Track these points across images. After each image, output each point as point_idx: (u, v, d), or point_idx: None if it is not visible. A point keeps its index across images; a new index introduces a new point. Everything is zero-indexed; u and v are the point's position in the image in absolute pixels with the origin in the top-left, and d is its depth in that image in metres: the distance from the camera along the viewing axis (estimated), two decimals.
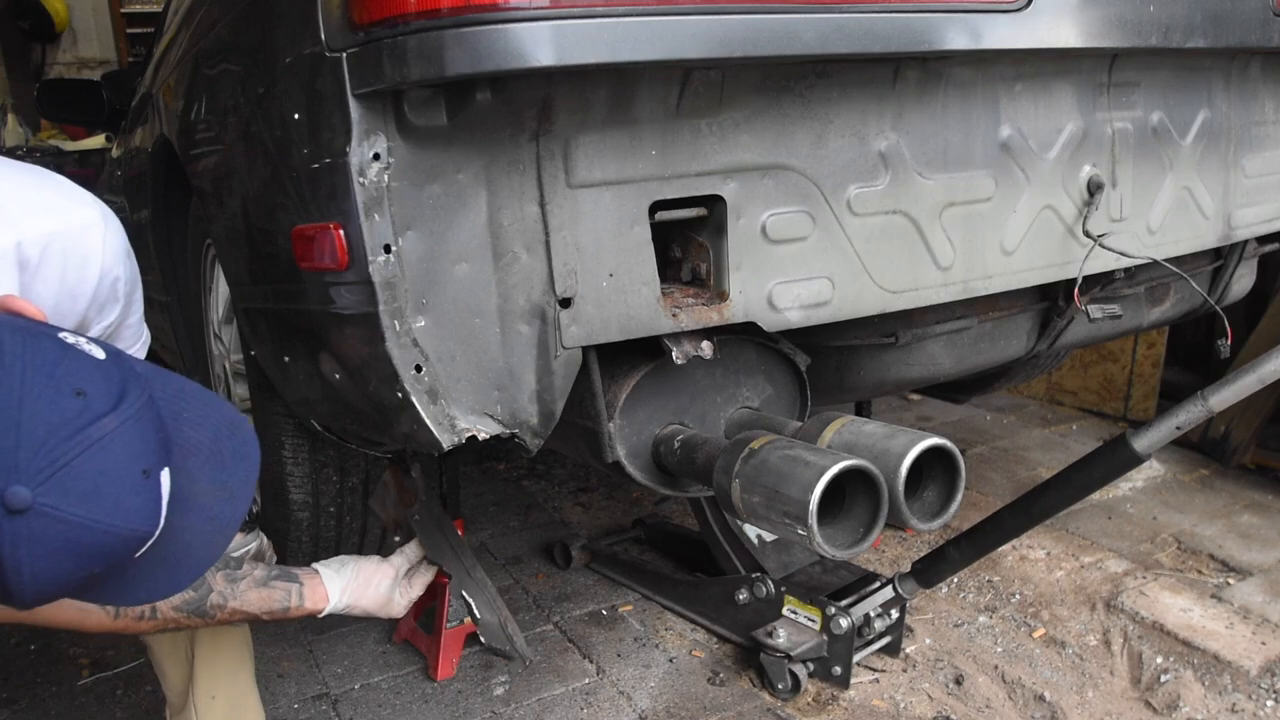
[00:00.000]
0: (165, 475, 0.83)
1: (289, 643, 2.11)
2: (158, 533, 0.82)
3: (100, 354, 0.83)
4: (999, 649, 2.01)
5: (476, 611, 1.70)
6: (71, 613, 1.22)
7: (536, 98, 1.12)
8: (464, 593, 1.71)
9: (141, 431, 0.80)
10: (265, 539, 1.60)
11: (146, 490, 0.80)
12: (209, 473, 0.89)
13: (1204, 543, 2.43)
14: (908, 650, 1.99)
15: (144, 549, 0.82)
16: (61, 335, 0.83)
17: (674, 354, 1.27)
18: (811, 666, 1.86)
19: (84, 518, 0.76)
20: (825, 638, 1.83)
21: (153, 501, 0.81)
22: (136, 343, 1.33)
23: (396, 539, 1.78)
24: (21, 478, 0.73)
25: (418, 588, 1.63)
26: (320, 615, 1.46)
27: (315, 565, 1.52)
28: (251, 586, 1.37)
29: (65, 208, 1.08)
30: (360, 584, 1.51)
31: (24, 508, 0.73)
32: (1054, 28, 1.37)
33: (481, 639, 1.73)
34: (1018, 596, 2.20)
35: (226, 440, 0.92)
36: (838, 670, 1.85)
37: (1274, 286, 2.88)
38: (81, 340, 0.84)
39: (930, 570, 1.84)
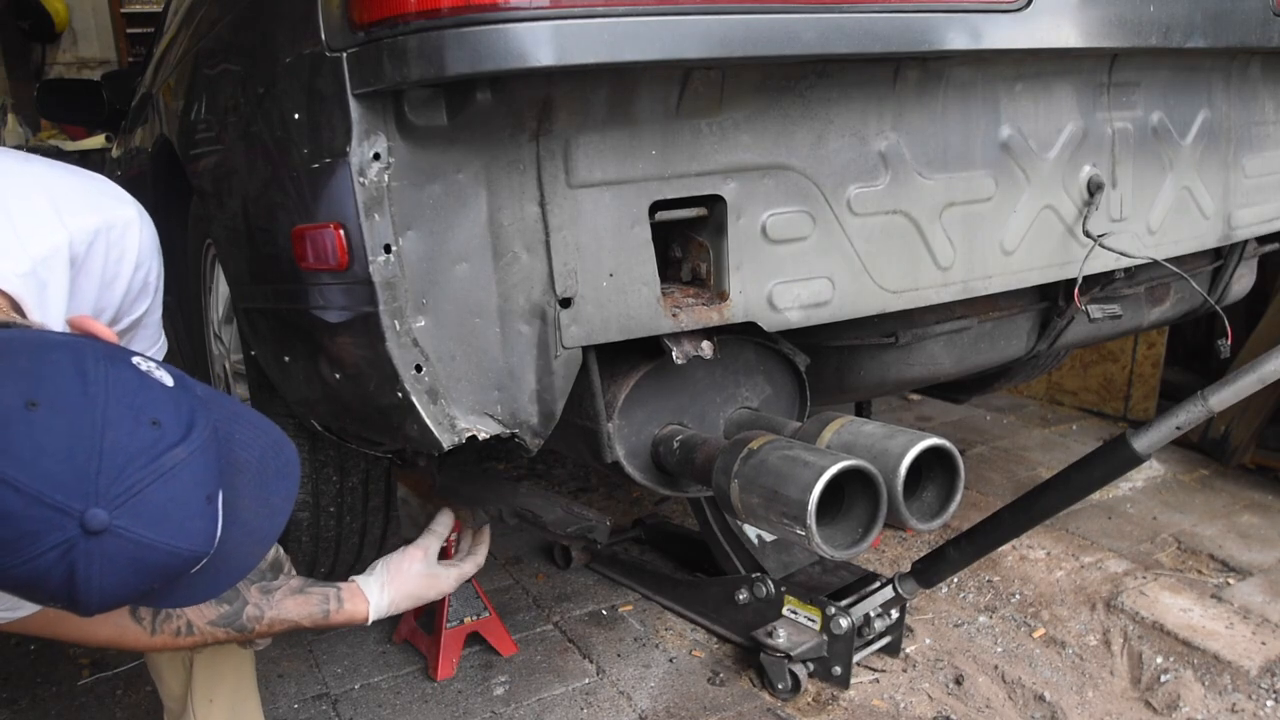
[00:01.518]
0: (220, 498, 0.88)
1: (289, 643, 2.11)
2: (213, 551, 0.87)
3: (169, 381, 0.88)
4: (999, 649, 2.01)
5: (541, 514, 1.68)
6: (110, 630, 1.24)
7: (536, 98, 1.12)
8: (520, 506, 1.68)
9: (206, 461, 0.86)
10: (281, 549, 1.59)
11: (208, 515, 0.86)
12: (253, 490, 0.94)
13: (1204, 543, 2.43)
14: (908, 650, 1.99)
15: (198, 567, 0.88)
16: (135, 361, 0.88)
17: (674, 354, 1.27)
18: (811, 666, 1.86)
19: (153, 540, 0.81)
20: (825, 638, 1.83)
21: (212, 524, 0.86)
22: (155, 344, 1.34)
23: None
24: (101, 502, 0.78)
25: (470, 565, 1.59)
26: (368, 620, 1.43)
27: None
28: (287, 595, 1.36)
29: (107, 206, 1.14)
30: (395, 575, 1.48)
31: (101, 529, 0.78)
32: (1054, 28, 1.37)
33: (558, 540, 1.69)
34: (1018, 596, 2.20)
35: (272, 460, 0.97)
36: (838, 670, 1.85)
37: (1274, 286, 2.88)
38: (152, 367, 0.89)
39: (930, 570, 1.84)
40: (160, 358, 1.35)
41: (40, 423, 0.78)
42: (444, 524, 1.62)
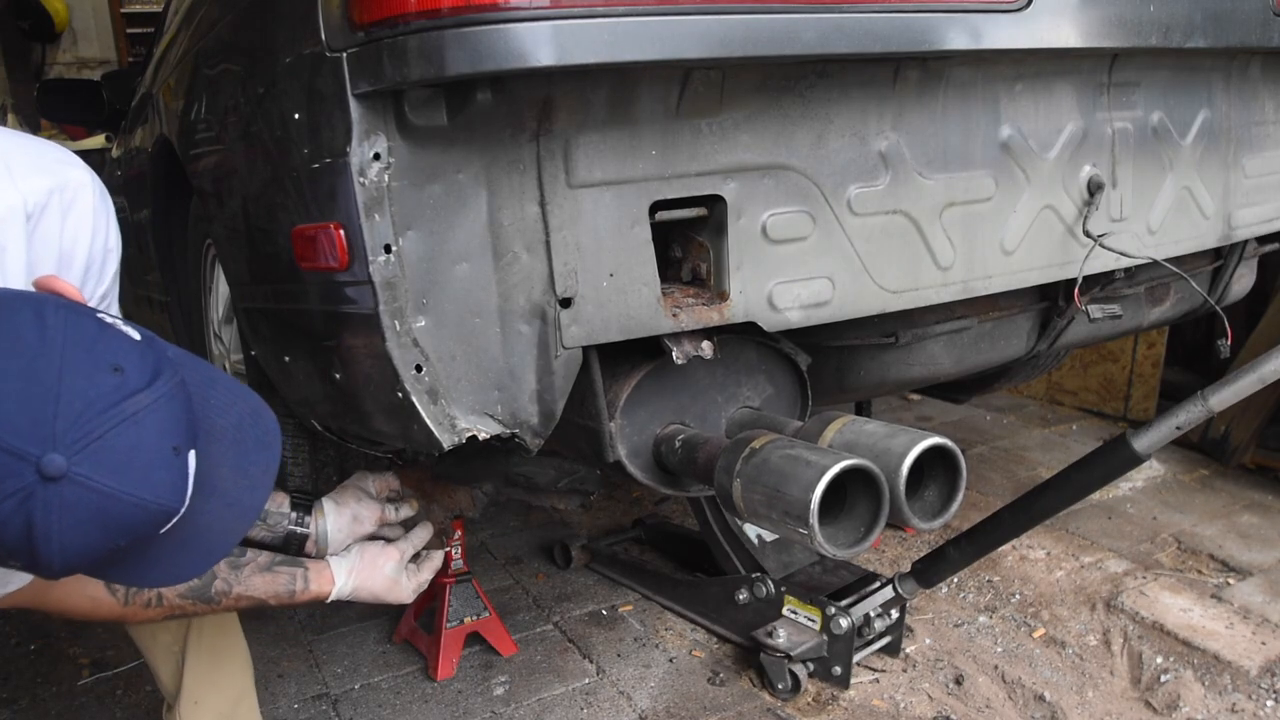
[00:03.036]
0: (192, 456, 0.85)
1: (289, 643, 2.11)
2: (182, 510, 0.85)
3: (136, 335, 0.86)
4: (999, 649, 2.01)
5: (535, 477, 1.69)
6: (84, 602, 1.23)
7: (537, 98, 1.12)
8: (510, 474, 1.69)
9: (173, 410, 0.83)
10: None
11: (175, 467, 0.83)
12: (231, 459, 0.91)
13: (1204, 543, 2.43)
14: (908, 650, 1.99)
15: (168, 526, 0.85)
16: (99, 315, 0.86)
17: (674, 354, 1.27)
18: (811, 666, 1.86)
19: (115, 488, 0.78)
20: (825, 638, 1.83)
21: (180, 478, 0.83)
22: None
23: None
24: (58, 446, 0.76)
25: (426, 573, 1.60)
26: (328, 600, 1.44)
27: None
28: (255, 572, 1.36)
29: (58, 169, 1.10)
30: (365, 566, 1.48)
31: (59, 475, 0.76)
32: (1054, 28, 1.37)
33: (552, 503, 1.71)
34: (1018, 596, 2.20)
35: (250, 428, 0.94)
36: (838, 670, 1.85)
37: (1274, 286, 2.88)
38: (119, 321, 0.87)
39: (930, 570, 1.84)
40: None
41: None
42: (421, 536, 1.61)
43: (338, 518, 1.51)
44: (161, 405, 0.82)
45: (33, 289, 0.95)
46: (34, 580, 1.14)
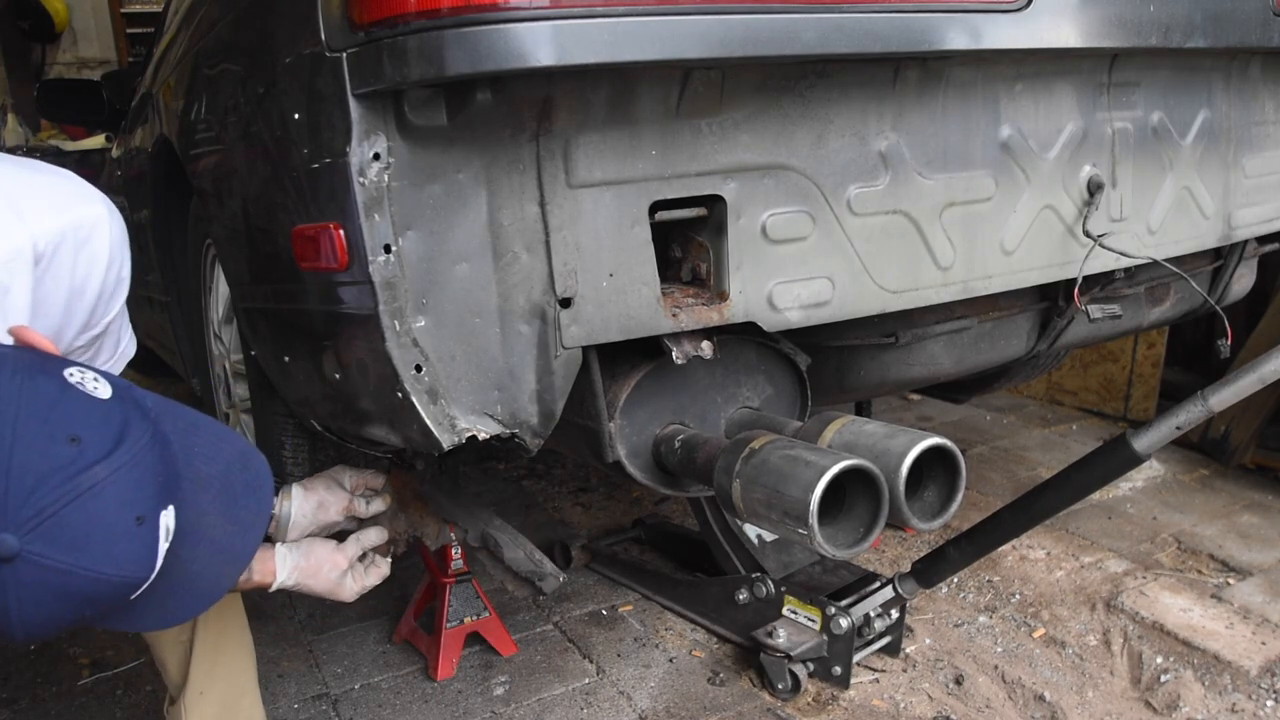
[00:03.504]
0: (168, 515, 0.82)
1: (289, 643, 2.11)
2: (152, 577, 0.82)
3: (105, 393, 0.83)
4: (999, 649, 2.01)
5: (504, 550, 1.66)
6: None
7: (536, 98, 1.12)
8: (488, 531, 1.66)
9: (137, 477, 0.80)
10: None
11: (139, 537, 0.80)
12: (219, 507, 0.89)
13: (1204, 543, 2.43)
14: (908, 650, 1.99)
15: (139, 592, 0.82)
16: (67, 373, 0.83)
17: (674, 354, 1.27)
18: (811, 666, 1.86)
19: (72, 565, 0.76)
20: (825, 638, 1.83)
21: (146, 548, 0.81)
22: (127, 336, 1.31)
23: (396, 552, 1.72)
24: (9, 526, 0.73)
25: (374, 577, 1.53)
26: (270, 590, 1.39)
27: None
28: None
29: (73, 205, 1.10)
30: (310, 565, 1.43)
31: (10, 555, 0.73)
32: (1054, 28, 1.37)
33: (510, 583, 1.70)
34: (1018, 596, 2.20)
35: (238, 474, 0.93)
36: (838, 670, 1.85)
37: (1274, 286, 2.88)
38: (88, 378, 0.83)
39: (930, 570, 1.84)
40: (133, 349, 1.33)
41: None
42: (371, 537, 1.54)
43: (303, 502, 1.49)
44: (122, 474, 0.79)
45: (7, 338, 0.92)
46: None
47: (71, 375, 0.83)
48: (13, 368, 0.80)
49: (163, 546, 0.82)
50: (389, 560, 1.61)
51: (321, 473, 1.58)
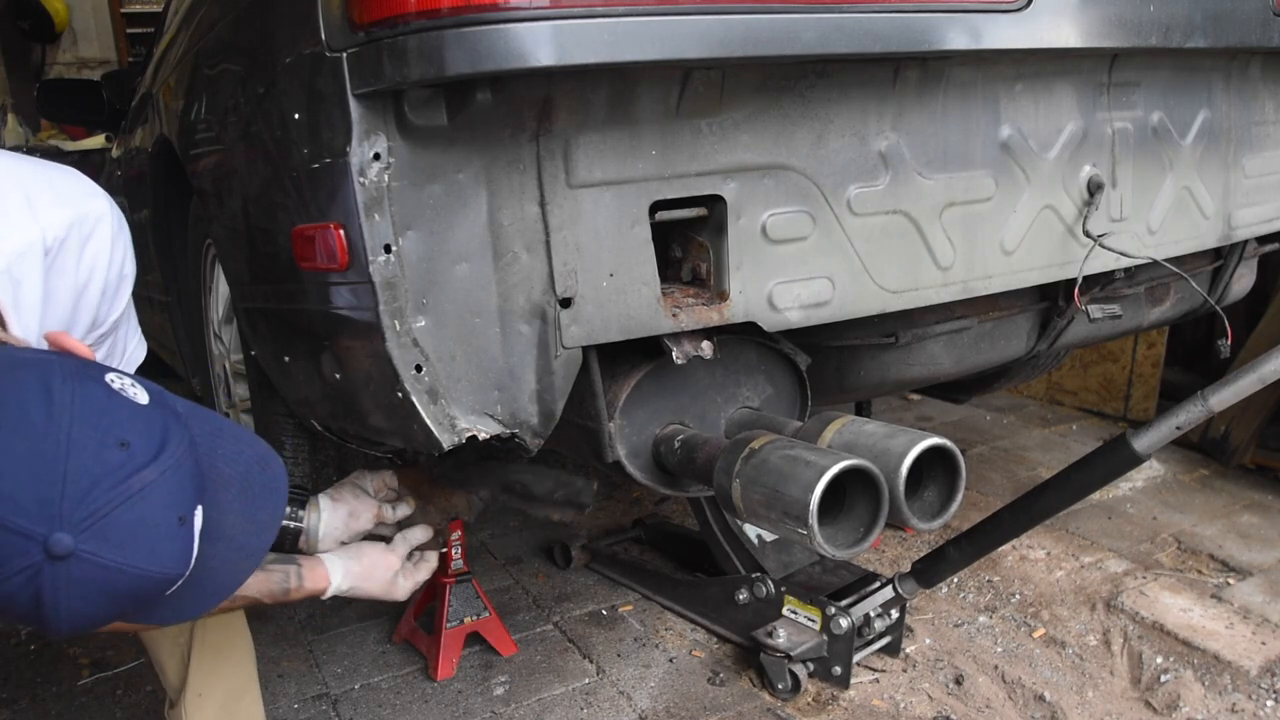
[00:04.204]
0: (198, 514, 0.87)
1: (289, 643, 2.11)
2: (189, 573, 0.87)
3: (144, 398, 0.87)
4: (999, 649, 2.01)
5: (531, 486, 1.67)
6: None
7: (536, 98, 1.12)
8: (508, 479, 1.67)
9: (179, 481, 0.85)
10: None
11: (181, 537, 0.85)
12: (239, 506, 0.93)
13: (1204, 543, 2.43)
14: (908, 650, 1.99)
15: (173, 589, 0.87)
16: (108, 379, 0.87)
17: (674, 354, 1.27)
18: (811, 666, 1.86)
19: (121, 563, 0.80)
20: (825, 638, 1.83)
21: (186, 547, 0.85)
22: (136, 337, 1.32)
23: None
24: (65, 526, 0.78)
25: (423, 573, 1.57)
26: (325, 597, 1.42)
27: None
28: None
29: (77, 200, 1.11)
30: (362, 567, 1.46)
31: (66, 554, 0.78)
32: (1054, 28, 1.37)
33: (547, 514, 1.70)
34: (1018, 596, 2.20)
35: (257, 475, 0.96)
36: (838, 670, 1.85)
37: (1274, 286, 2.88)
38: (126, 384, 0.88)
39: (930, 570, 1.84)
40: (142, 354, 1.34)
41: (1, 445, 0.77)
42: (418, 536, 1.58)
43: (333, 514, 1.50)
44: (168, 477, 0.83)
45: (45, 343, 0.96)
46: None
47: (113, 382, 0.87)
48: (62, 374, 0.84)
49: (196, 545, 0.87)
50: (435, 554, 1.62)
51: (342, 482, 1.59)
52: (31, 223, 1.04)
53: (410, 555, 1.57)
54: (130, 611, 0.85)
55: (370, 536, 1.56)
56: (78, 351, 0.93)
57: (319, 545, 1.49)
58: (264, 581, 1.35)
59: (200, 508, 0.87)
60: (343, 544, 1.52)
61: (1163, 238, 1.74)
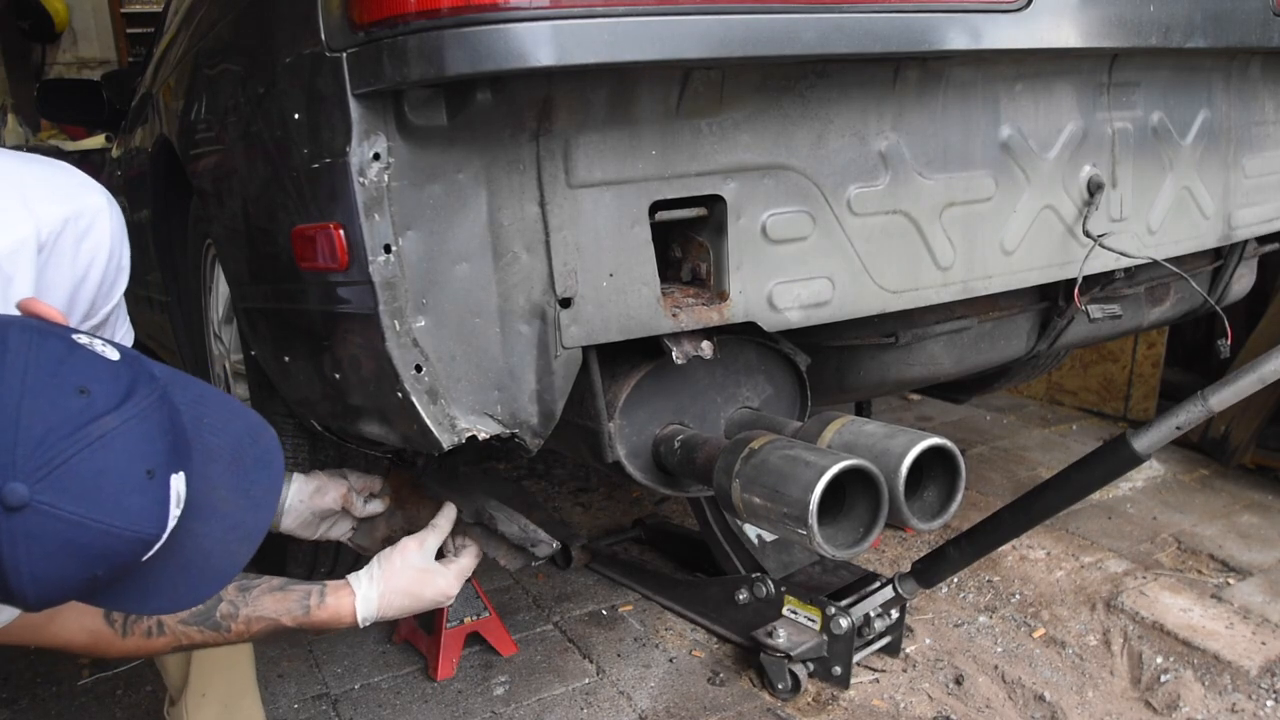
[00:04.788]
0: (179, 480, 0.82)
1: (289, 642, 2.11)
2: (164, 536, 0.81)
3: (114, 355, 0.83)
4: (999, 649, 2.01)
5: (498, 523, 1.60)
6: (81, 635, 1.19)
7: (536, 98, 1.12)
8: (483, 508, 1.62)
9: (146, 431, 0.79)
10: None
11: (149, 492, 0.79)
12: (230, 480, 0.88)
13: (1204, 543, 2.43)
14: (908, 650, 1.99)
15: (151, 553, 0.81)
16: (75, 336, 0.83)
17: (674, 354, 1.27)
18: (811, 666, 1.86)
19: (82, 516, 0.75)
20: (825, 638, 1.83)
21: (157, 504, 0.80)
22: (124, 325, 1.31)
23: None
24: (18, 475, 0.73)
25: (467, 559, 1.44)
26: (354, 614, 1.30)
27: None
28: (266, 591, 1.26)
29: (75, 194, 1.11)
30: (386, 568, 1.34)
31: (20, 504, 0.73)
32: (1054, 28, 1.37)
33: (504, 559, 1.65)
34: (1018, 596, 2.20)
35: (249, 448, 0.91)
36: (838, 670, 1.85)
37: (1274, 286, 2.88)
38: (96, 342, 0.83)
39: (930, 570, 1.84)
40: (130, 341, 1.33)
41: None
42: (446, 519, 1.46)
43: (301, 486, 1.46)
44: (131, 426, 0.78)
45: (16, 312, 0.92)
46: (24, 615, 1.10)
47: (80, 338, 0.83)
48: (20, 326, 0.80)
49: (174, 510, 0.81)
50: (475, 545, 1.52)
51: (327, 468, 1.57)
52: (26, 219, 1.03)
53: (443, 551, 1.46)
54: (104, 578, 0.80)
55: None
56: (47, 315, 0.89)
57: (283, 518, 1.45)
58: (282, 600, 1.27)
59: (182, 475, 0.82)
60: (305, 522, 1.48)
61: (1163, 238, 1.74)
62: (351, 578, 1.34)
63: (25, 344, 0.78)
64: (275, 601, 1.26)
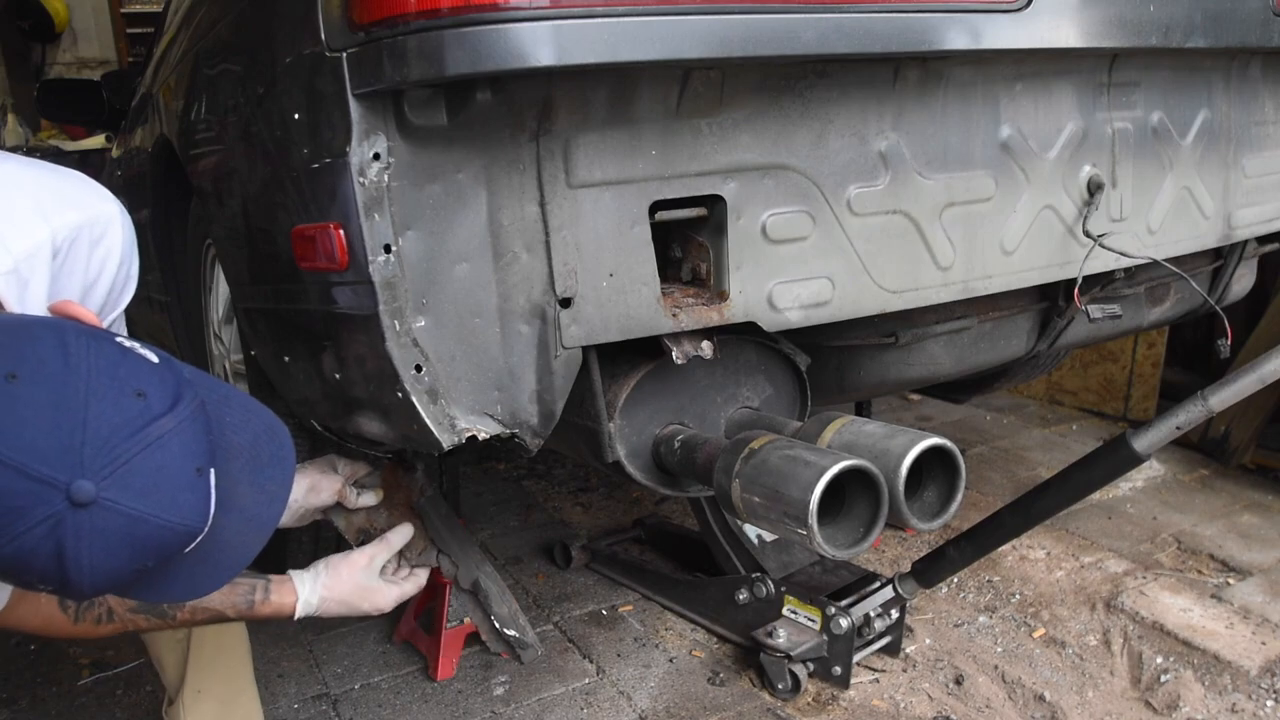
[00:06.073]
0: (213, 475, 0.87)
1: (289, 643, 2.11)
2: (207, 529, 0.86)
3: (154, 358, 0.88)
4: (999, 649, 2.01)
5: (491, 603, 1.60)
6: (37, 620, 1.23)
7: (536, 98, 1.12)
8: (479, 579, 1.60)
9: (195, 432, 0.85)
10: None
11: (199, 488, 0.85)
12: (248, 475, 0.93)
13: (1204, 543, 2.43)
14: (908, 650, 1.99)
15: (193, 545, 0.87)
16: (118, 340, 0.88)
17: (674, 354, 1.27)
18: (811, 666, 1.86)
19: (143, 511, 0.80)
20: (825, 638, 1.83)
21: (204, 499, 0.85)
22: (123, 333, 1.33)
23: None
24: (86, 473, 0.78)
25: (412, 586, 1.48)
26: (294, 614, 1.35)
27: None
28: None
29: (89, 203, 1.14)
30: (331, 574, 1.39)
31: (88, 501, 0.78)
32: (1054, 28, 1.37)
33: (486, 636, 1.66)
34: (1018, 596, 2.20)
35: (266, 444, 0.96)
36: (838, 670, 1.85)
37: (1274, 286, 2.88)
38: (136, 345, 0.88)
39: (930, 570, 1.84)
40: None
41: (21, 395, 0.77)
42: (400, 536, 1.50)
43: (295, 484, 1.46)
44: (185, 428, 0.84)
45: (49, 314, 0.97)
46: None
47: (124, 341, 0.88)
48: (75, 332, 0.84)
49: (213, 500, 0.87)
50: (426, 571, 1.56)
51: (315, 459, 1.58)
52: (42, 225, 1.06)
53: (399, 563, 1.50)
54: (151, 569, 0.85)
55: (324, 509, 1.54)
56: (84, 318, 0.94)
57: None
58: (228, 593, 1.31)
59: (213, 470, 0.87)
60: (299, 517, 1.50)
61: (1162, 238, 1.74)
62: (295, 576, 1.38)
63: (84, 348, 0.83)
64: (220, 594, 1.30)
